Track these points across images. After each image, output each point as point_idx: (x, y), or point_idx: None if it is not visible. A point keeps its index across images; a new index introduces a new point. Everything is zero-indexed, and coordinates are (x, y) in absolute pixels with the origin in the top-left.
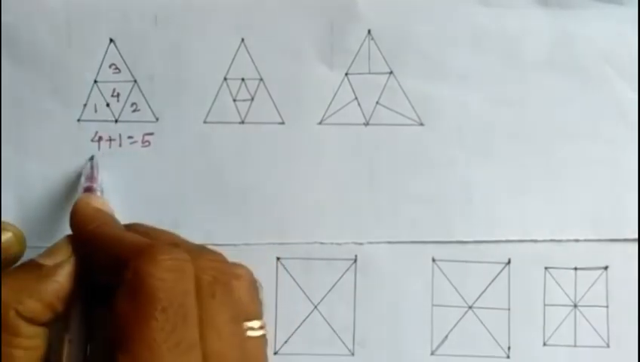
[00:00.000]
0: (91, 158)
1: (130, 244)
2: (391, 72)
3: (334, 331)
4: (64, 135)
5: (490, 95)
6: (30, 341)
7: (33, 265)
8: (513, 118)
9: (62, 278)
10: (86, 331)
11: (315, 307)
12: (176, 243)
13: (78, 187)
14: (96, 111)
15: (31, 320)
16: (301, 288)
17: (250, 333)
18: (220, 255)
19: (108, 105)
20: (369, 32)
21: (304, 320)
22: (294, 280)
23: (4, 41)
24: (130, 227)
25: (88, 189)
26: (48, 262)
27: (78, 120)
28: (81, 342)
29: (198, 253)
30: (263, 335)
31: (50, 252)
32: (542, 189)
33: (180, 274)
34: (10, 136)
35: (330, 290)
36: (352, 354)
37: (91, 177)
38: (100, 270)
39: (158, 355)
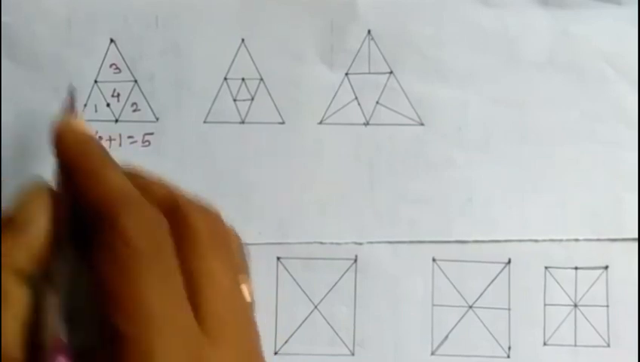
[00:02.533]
0: (70, 89)
1: (110, 191)
2: (391, 72)
3: (334, 331)
4: None
5: (490, 95)
6: (14, 291)
7: (6, 222)
8: (513, 118)
9: (38, 230)
10: (68, 283)
11: (315, 307)
12: (171, 195)
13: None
14: (96, 111)
15: (14, 271)
16: (301, 288)
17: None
18: (217, 211)
19: (108, 105)
20: (369, 32)
21: (304, 320)
22: (294, 280)
23: (4, 41)
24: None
25: None
26: (22, 214)
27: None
28: (65, 292)
29: (197, 206)
30: (252, 301)
31: (23, 202)
32: (542, 189)
33: (158, 228)
34: (11, 136)
35: (330, 290)
36: (352, 354)
37: (71, 109)
38: (79, 205)
39: (147, 306)
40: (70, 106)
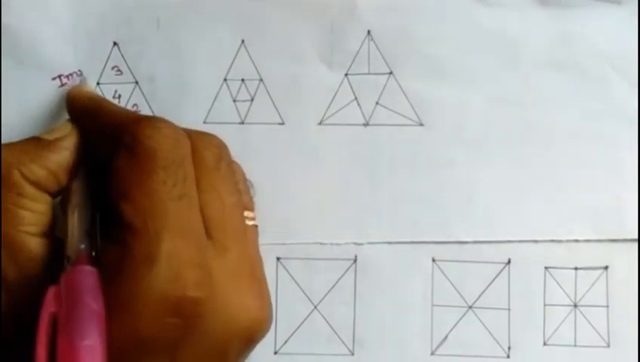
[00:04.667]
0: (80, 74)
1: (128, 114)
2: (391, 72)
3: (334, 331)
4: None
5: (490, 95)
6: (36, 204)
7: (34, 139)
8: (513, 118)
9: (64, 150)
10: (90, 201)
11: (315, 307)
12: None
13: None
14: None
15: (36, 185)
16: (301, 288)
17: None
18: (220, 139)
19: (81, 73)
20: (369, 32)
21: (304, 320)
22: (294, 280)
23: (5, 42)
24: None
25: None
26: (48, 137)
27: None
28: (87, 210)
29: (201, 133)
30: (256, 226)
31: (50, 130)
32: (542, 189)
33: (177, 141)
34: (11, 136)
35: (330, 290)
36: (352, 354)
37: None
38: (99, 143)
39: (161, 204)
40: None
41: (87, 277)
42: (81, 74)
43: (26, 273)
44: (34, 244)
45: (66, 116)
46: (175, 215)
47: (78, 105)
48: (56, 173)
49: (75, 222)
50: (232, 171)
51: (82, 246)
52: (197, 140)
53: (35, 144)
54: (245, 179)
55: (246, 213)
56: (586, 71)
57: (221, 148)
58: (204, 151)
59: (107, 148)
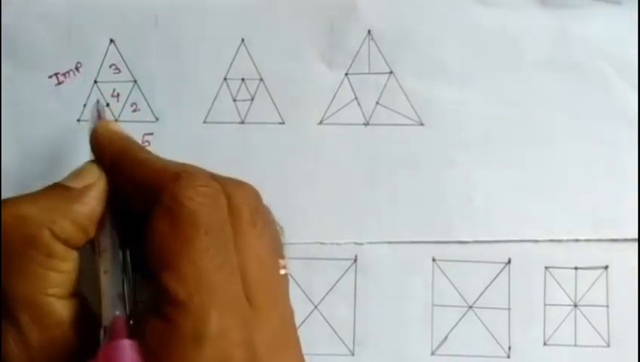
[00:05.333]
0: (97, 102)
1: (164, 168)
2: (391, 72)
3: (334, 331)
4: (64, 135)
5: (490, 95)
6: (64, 264)
7: (61, 188)
8: (513, 118)
9: (92, 200)
10: (120, 260)
11: (315, 307)
12: (210, 174)
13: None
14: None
15: (65, 242)
16: (301, 288)
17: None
18: (252, 187)
19: (108, 105)
20: (369, 32)
21: (304, 320)
22: (294, 280)
23: (4, 42)
24: None
25: None
26: (76, 184)
27: (78, 120)
28: (117, 269)
29: (234, 183)
30: (287, 274)
31: (76, 175)
32: (542, 189)
33: (216, 201)
34: (10, 136)
35: (330, 290)
36: (352, 354)
37: (102, 118)
38: (129, 194)
39: (205, 274)
40: (100, 114)
41: (127, 353)
42: (98, 102)
43: (50, 337)
44: (60, 308)
45: (66, 117)
46: (220, 287)
47: (107, 149)
48: (85, 227)
49: (107, 286)
50: (266, 222)
51: (117, 312)
52: (232, 193)
53: (62, 196)
54: (275, 224)
55: (280, 261)
56: (586, 71)
57: (255, 199)
58: (241, 207)
59: (139, 201)
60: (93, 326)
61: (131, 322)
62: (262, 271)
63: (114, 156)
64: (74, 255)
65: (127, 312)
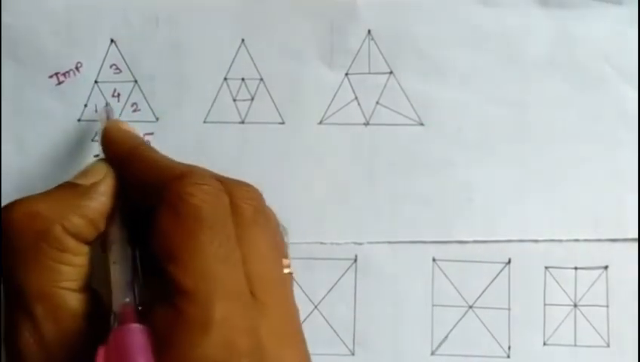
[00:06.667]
0: (107, 104)
1: (169, 167)
2: (391, 72)
3: (334, 331)
4: (64, 135)
5: (490, 95)
6: (77, 258)
7: (71, 185)
8: (513, 118)
9: (100, 196)
10: (129, 248)
11: (315, 307)
12: (212, 174)
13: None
14: (96, 111)
15: (76, 237)
16: (301, 288)
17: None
18: (255, 188)
19: (108, 105)
20: (369, 32)
21: (304, 320)
22: (294, 280)
23: (4, 41)
24: None
25: None
26: (84, 181)
27: (79, 120)
28: (126, 259)
29: (237, 183)
30: (291, 273)
31: (85, 173)
32: (542, 189)
33: (218, 198)
34: (10, 136)
35: (330, 290)
36: (352, 354)
37: (109, 115)
38: (136, 190)
39: (209, 265)
40: (109, 115)
41: (138, 336)
42: (107, 105)
43: (65, 330)
44: (74, 300)
45: (66, 116)
46: (224, 277)
47: (116, 148)
48: (95, 221)
49: (116, 275)
50: (268, 221)
51: (127, 299)
52: (233, 192)
53: (72, 192)
54: (279, 225)
55: (283, 261)
56: (586, 71)
57: (258, 199)
58: (243, 205)
59: (145, 198)
60: (106, 320)
61: (140, 308)
62: (265, 268)
63: (124, 154)
64: (85, 249)
65: (136, 300)
